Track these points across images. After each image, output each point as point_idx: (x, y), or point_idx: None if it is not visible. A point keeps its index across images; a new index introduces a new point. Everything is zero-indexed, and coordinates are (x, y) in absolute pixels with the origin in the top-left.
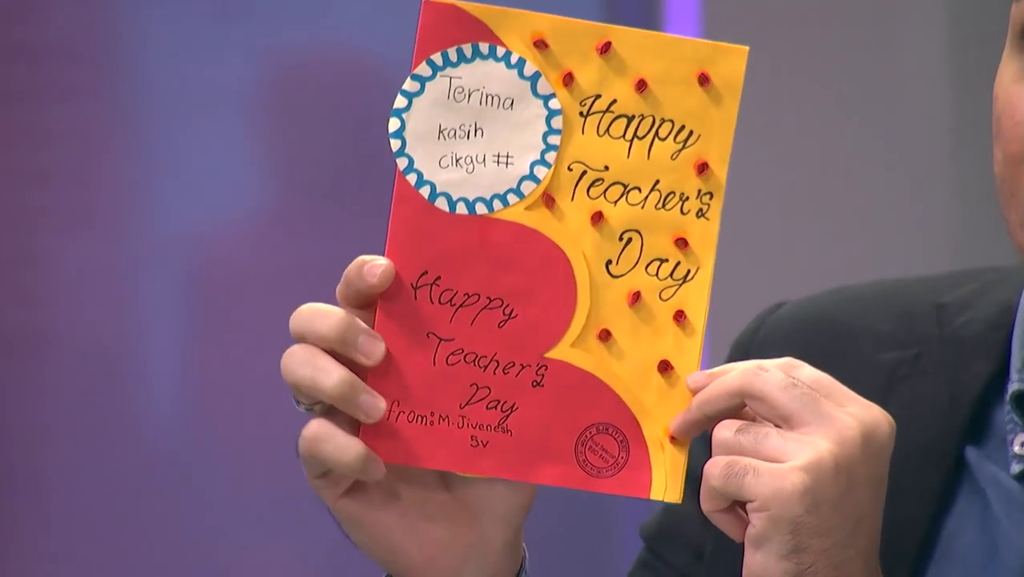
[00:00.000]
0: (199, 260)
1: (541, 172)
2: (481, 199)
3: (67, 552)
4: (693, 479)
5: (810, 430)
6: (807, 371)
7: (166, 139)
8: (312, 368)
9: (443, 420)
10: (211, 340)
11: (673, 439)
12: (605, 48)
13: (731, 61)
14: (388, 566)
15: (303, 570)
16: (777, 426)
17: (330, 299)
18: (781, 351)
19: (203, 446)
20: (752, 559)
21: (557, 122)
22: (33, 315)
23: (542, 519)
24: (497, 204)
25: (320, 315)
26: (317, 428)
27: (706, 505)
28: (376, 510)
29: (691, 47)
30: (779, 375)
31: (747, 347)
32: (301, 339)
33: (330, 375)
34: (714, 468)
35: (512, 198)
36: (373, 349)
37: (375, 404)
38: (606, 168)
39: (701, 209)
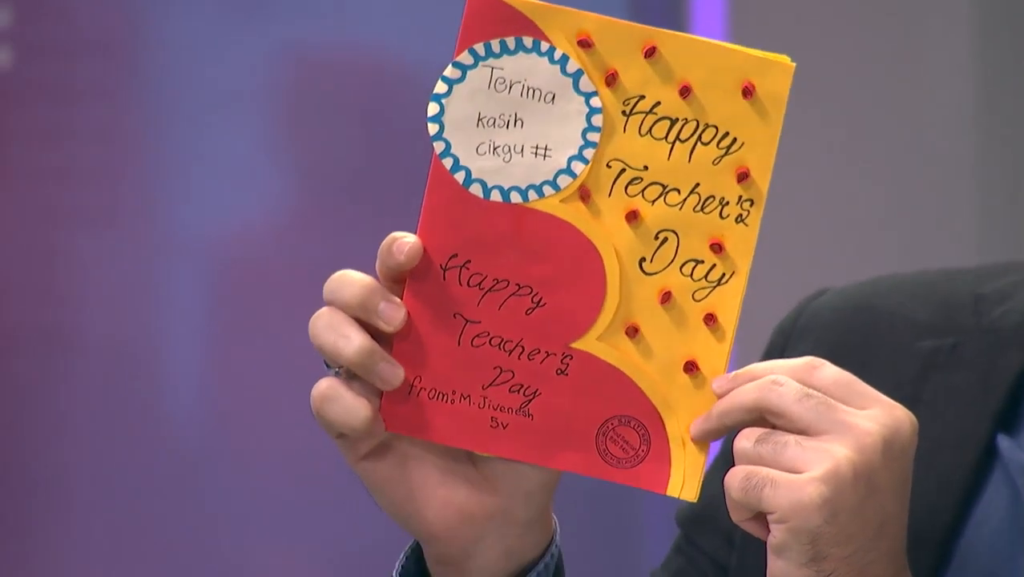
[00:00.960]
0: (222, 258)
1: (578, 167)
2: (516, 188)
3: (90, 547)
4: (727, 462)
5: (829, 438)
6: (827, 373)
7: (189, 138)
8: (335, 333)
9: (464, 399)
10: (233, 338)
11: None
12: (651, 52)
13: (777, 75)
14: (407, 528)
15: (325, 566)
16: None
17: None
18: (821, 338)
19: (225, 443)
20: (774, 565)
21: (597, 120)
22: (56, 313)
23: (569, 507)
24: (532, 195)
25: (347, 281)
26: (326, 388)
27: (732, 515)
28: (397, 474)
29: (739, 57)
30: (794, 387)
31: (788, 333)
32: (330, 304)
33: (350, 341)
34: (734, 480)
35: (548, 190)
36: (393, 315)
37: (394, 372)
38: (645, 168)
39: (741, 215)
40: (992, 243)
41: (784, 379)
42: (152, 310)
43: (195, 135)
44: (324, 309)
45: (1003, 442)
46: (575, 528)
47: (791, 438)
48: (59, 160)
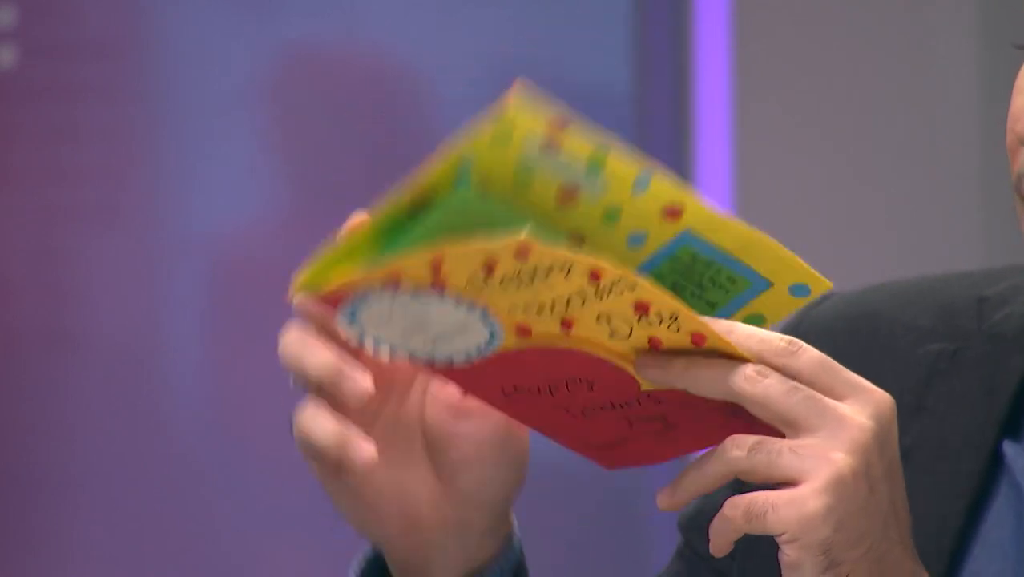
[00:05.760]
0: (225, 258)
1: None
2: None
3: (92, 546)
4: None
5: (823, 437)
6: (809, 357)
7: (193, 138)
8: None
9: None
10: (236, 338)
11: None
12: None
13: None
14: (366, 536)
15: (329, 566)
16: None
17: None
18: (822, 344)
19: (227, 441)
20: None
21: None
22: (59, 313)
23: (575, 511)
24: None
25: (309, 349)
26: (309, 411)
27: (712, 548)
28: (361, 489)
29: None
30: (779, 380)
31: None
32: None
33: (316, 357)
34: (735, 512)
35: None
36: (357, 390)
37: (360, 388)
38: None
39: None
40: (997, 245)
41: (769, 370)
42: (155, 310)
43: (199, 135)
44: (292, 332)
45: (1008, 448)
46: (582, 532)
47: (784, 445)
48: (63, 160)
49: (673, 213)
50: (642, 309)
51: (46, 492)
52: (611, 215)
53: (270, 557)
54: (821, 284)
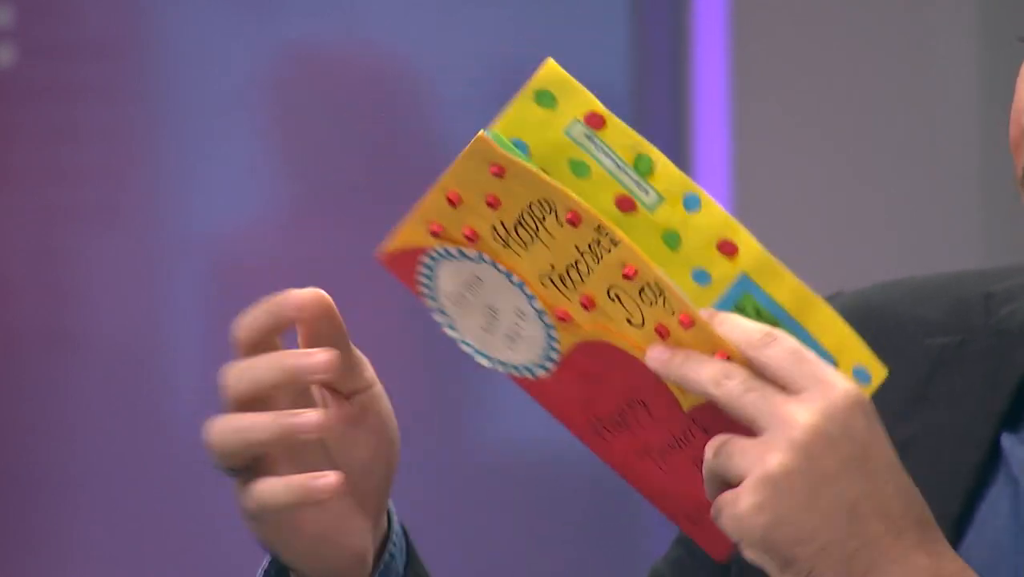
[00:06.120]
0: (225, 258)
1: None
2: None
3: (93, 547)
4: None
5: (765, 438)
6: (776, 349)
7: (193, 138)
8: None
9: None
10: None
11: None
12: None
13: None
14: (276, 553)
15: None
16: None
17: (351, 295)
18: None
19: None
20: None
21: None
22: (59, 313)
23: (572, 504)
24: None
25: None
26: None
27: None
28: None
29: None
30: (738, 383)
31: None
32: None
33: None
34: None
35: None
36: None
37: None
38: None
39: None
40: (998, 244)
41: (735, 371)
42: (155, 309)
43: (199, 135)
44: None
45: (1006, 440)
46: (578, 525)
47: (736, 447)
48: (62, 159)
49: (728, 249)
50: (629, 274)
51: (46, 491)
52: (671, 239)
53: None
54: (880, 372)
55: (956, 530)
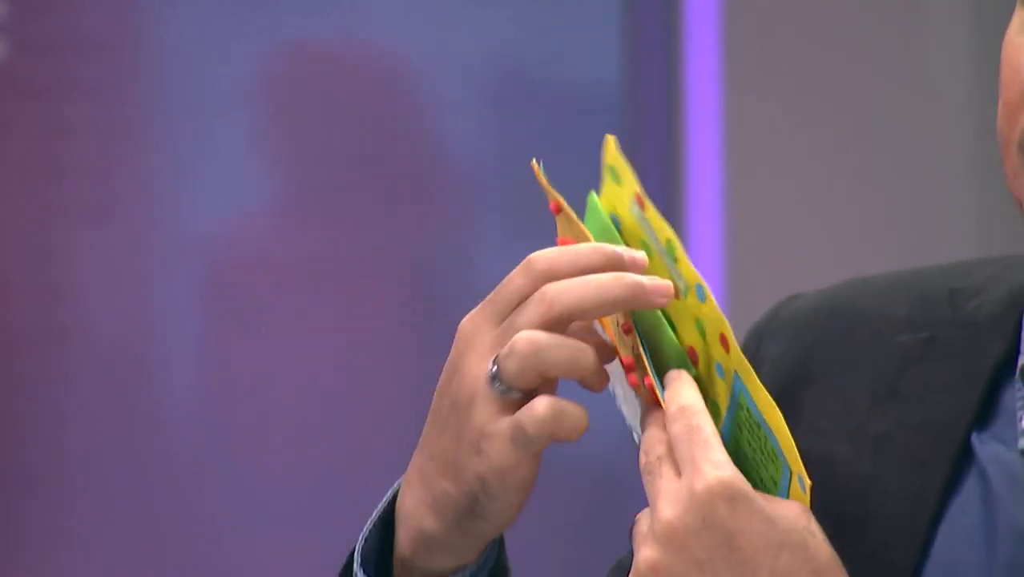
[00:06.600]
0: (220, 255)
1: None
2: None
3: (90, 544)
4: None
5: (644, 525)
6: (675, 428)
7: (187, 134)
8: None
9: None
10: (231, 334)
11: None
12: None
13: None
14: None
15: (325, 562)
16: None
17: (347, 294)
18: (799, 337)
19: (223, 438)
20: None
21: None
22: (54, 309)
23: (567, 497)
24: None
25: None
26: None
27: None
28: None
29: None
30: (642, 459)
31: (762, 334)
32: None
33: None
34: None
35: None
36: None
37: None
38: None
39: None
40: (992, 241)
41: (655, 447)
42: (150, 306)
43: (194, 132)
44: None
45: (976, 436)
46: (579, 525)
47: (639, 523)
48: (56, 156)
49: (726, 345)
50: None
51: (42, 489)
52: (700, 327)
53: (266, 554)
54: (807, 483)
55: (932, 526)
